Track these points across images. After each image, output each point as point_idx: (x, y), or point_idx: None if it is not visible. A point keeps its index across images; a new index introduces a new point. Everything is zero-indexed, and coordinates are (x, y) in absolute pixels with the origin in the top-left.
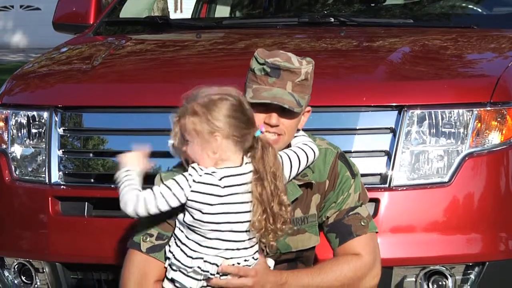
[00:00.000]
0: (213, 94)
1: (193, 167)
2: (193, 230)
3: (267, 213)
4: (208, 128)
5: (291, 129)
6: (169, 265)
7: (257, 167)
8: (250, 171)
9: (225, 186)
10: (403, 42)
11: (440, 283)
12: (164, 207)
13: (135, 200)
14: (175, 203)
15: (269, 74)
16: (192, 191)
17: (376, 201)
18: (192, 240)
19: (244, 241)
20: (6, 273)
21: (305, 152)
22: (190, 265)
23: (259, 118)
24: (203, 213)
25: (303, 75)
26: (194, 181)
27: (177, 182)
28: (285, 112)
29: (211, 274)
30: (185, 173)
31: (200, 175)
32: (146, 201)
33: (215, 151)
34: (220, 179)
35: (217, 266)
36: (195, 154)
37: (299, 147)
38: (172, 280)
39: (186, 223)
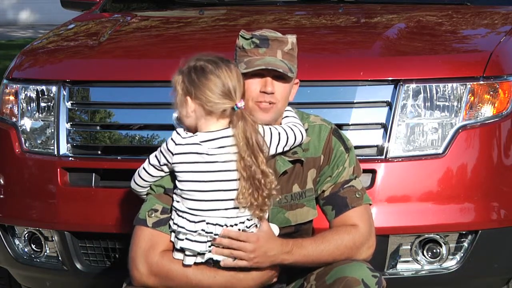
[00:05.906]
0: (200, 60)
1: (177, 132)
2: (187, 197)
3: (253, 187)
4: (183, 87)
5: (284, 97)
6: (176, 236)
7: (235, 139)
8: (231, 135)
9: (208, 148)
10: (399, 19)
11: (434, 250)
12: (152, 171)
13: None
14: (159, 162)
15: (258, 46)
16: (175, 153)
17: (373, 172)
18: (190, 208)
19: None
20: (17, 242)
21: (294, 132)
22: (194, 229)
23: (253, 89)
24: (190, 172)
25: (290, 45)
26: (175, 143)
27: (162, 145)
28: (278, 80)
29: (215, 235)
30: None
31: (184, 137)
32: (140, 168)
33: (188, 115)
34: (203, 141)
35: (220, 226)
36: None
37: (288, 126)
38: (182, 250)
39: (180, 189)
